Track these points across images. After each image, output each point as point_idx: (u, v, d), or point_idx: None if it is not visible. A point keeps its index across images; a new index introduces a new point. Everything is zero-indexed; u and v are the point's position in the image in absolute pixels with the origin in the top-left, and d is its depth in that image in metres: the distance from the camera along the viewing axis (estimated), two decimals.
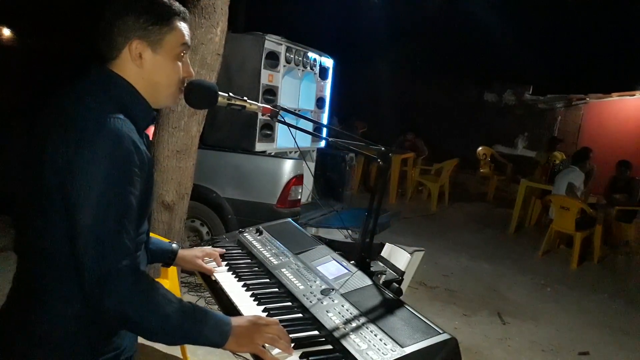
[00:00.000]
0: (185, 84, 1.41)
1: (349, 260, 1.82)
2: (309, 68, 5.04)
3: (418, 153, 9.65)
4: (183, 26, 1.34)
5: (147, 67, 1.30)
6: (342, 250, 1.94)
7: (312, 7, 12.53)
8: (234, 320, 1.30)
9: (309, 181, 4.92)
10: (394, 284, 1.78)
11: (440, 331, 1.44)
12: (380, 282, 1.76)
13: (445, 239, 6.85)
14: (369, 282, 1.65)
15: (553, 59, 13.61)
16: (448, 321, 4.22)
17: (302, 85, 5.03)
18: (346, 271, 1.75)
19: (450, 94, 13.77)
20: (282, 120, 1.74)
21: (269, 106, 1.69)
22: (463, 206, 9.12)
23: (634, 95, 10.63)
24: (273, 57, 4.48)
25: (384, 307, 1.53)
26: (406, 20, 12.95)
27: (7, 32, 13.24)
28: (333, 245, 2.00)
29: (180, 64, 1.36)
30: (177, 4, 1.34)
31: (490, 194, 9.91)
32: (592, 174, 7.84)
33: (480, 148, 11.08)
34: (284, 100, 4.63)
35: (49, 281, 1.22)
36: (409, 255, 1.86)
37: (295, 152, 4.94)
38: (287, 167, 4.25)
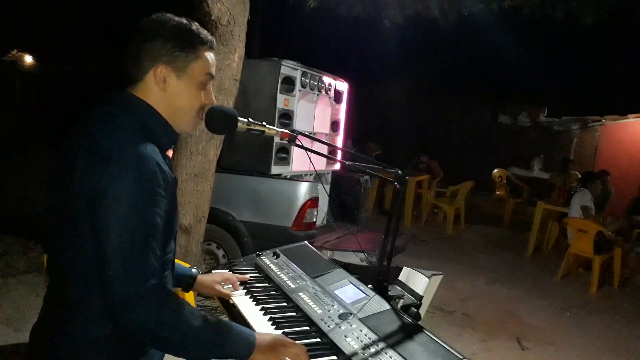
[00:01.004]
0: (206, 111, 1.44)
1: (366, 284, 1.82)
2: (324, 92, 5.09)
3: (433, 175, 9.62)
4: (210, 56, 1.38)
5: (170, 92, 1.33)
6: (359, 273, 1.94)
7: (325, 32, 12.70)
8: (259, 334, 1.33)
9: (324, 204, 4.93)
10: (413, 308, 1.77)
11: (461, 357, 1.42)
12: (399, 306, 1.75)
13: (461, 262, 6.77)
14: (387, 306, 1.64)
15: (568, 81, 13.61)
16: (466, 346, 4.14)
17: (317, 109, 5.08)
18: (364, 295, 1.74)
19: (465, 115, 13.77)
20: (300, 144, 1.76)
21: (287, 131, 1.71)
22: (479, 229, 9.03)
23: None
24: (289, 82, 4.55)
25: (402, 332, 1.53)
26: (419, 43, 13.04)
27: (28, 57, 13.63)
28: (349, 268, 2.00)
29: (202, 91, 1.39)
30: (205, 32, 1.37)
31: (507, 217, 9.81)
32: (609, 196, 7.76)
33: (495, 170, 11.01)
34: (299, 123, 4.68)
35: (80, 301, 1.25)
36: (427, 279, 1.85)
37: (311, 174, 4.96)
38: (303, 190, 4.27)
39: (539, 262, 7.33)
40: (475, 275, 6.25)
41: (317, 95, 5.00)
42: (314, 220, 4.37)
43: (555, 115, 12.93)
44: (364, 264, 3.27)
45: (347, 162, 1.96)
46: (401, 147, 11.78)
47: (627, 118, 11.15)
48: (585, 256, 6.37)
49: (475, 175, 10.06)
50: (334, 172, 5.57)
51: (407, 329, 1.54)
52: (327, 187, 5.36)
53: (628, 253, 6.83)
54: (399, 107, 13.26)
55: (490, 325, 4.71)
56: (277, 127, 1.69)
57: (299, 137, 1.74)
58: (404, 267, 1.95)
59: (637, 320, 5.32)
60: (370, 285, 1.80)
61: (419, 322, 1.62)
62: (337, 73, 5.44)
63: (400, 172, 1.77)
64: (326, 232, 4.88)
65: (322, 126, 5.21)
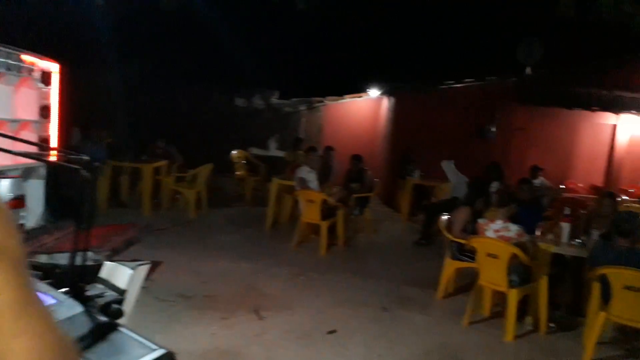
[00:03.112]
0: None
1: (60, 287, 1.61)
2: (26, 73, 4.41)
3: (172, 161, 9.41)
4: None
5: None
6: (55, 277, 1.73)
7: (37, 11, 11.15)
8: None
9: (37, 202, 4.31)
10: (114, 305, 1.63)
11: (155, 347, 1.36)
12: (98, 306, 1.59)
13: (204, 245, 6.80)
14: (79, 309, 1.48)
15: (295, 67, 14.74)
16: (205, 328, 4.15)
17: (19, 93, 4.38)
18: (54, 302, 1.54)
19: (203, 101, 13.79)
20: None
21: None
22: (222, 210, 9.21)
23: (361, 97, 12.23)
24: None
25: (95, 334, 1.39)
26: (150, 29, 12.52)
27: None
28: (53, 272, 1.77)
29: None
30: None
31: (247, 195, 10.24)
32: (330, 169, 8.74)
33: (234, 152, 11.35)
34: None
35: None
36: (130, 271, 1.76)
37: (16, 169, 4.27)
38: (2, 189, 3.64)
39: (277, 234, 7.86)
40: (217, 256, 6.33)
41: (17, 76, 4.30)
42: (21, 222, 3.77)
43: (286, 98, 13.96)
44: (91, 263, 2.96)
45: (11, 152, 1.69)
46: (138, 134, 11.18)
47: (344, 98, 12.73)
48: (314, 223, 7.05)
49: (217, 157, 10.20)
50: (52, 164, 4.90)
51: (101, 330, 1.41)
52: (41, 182, 4.69)
53: (349, 216, 7.82)
54: (133, 93, 12.53)
55: (231, 302, 4.83)
56: None
57: None
58: (106, 262, 1.82)
59: (360, 272, 6.14)
60: (65, 289, 1.60)
61: (126, 318, 1.52)
62: (47, 53, 4.78)
63: (86, 158, 1.61)
64: (44, 234, 4.28)
65: (27, 112, 4.51)
